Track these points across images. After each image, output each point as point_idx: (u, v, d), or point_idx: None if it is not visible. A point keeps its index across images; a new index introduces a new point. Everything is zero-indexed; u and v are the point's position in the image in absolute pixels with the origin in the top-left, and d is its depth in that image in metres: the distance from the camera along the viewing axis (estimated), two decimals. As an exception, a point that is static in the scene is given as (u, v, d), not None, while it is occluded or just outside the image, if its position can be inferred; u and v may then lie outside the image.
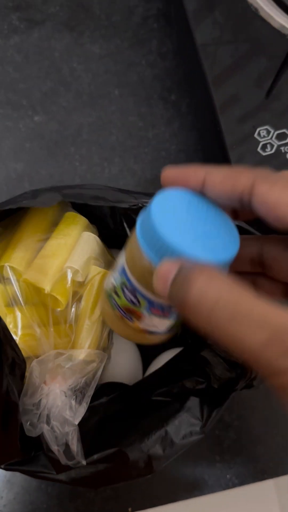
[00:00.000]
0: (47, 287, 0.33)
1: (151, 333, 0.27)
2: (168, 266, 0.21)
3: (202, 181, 0.23)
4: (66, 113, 0.56)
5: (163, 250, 0.21)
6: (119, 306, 0.26)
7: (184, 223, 0.22)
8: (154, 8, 0.61)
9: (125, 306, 0.25)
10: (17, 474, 0.47)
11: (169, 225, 0.21)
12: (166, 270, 0.20)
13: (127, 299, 0.25)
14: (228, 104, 0.47)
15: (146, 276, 0.23)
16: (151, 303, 0.24)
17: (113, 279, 0.25)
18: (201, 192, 0.24)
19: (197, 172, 0.23)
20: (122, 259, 0.25)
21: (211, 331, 0.19)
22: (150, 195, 0.38)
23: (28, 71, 0.57)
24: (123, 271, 0.24)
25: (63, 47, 0.58)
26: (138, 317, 0.25)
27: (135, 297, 0.24)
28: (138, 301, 0.24)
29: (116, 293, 0.25)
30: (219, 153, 0.49)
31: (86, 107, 0.56)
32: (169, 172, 0.24)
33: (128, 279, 0.24)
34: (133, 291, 0.24)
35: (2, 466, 0.35)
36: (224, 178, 0.23)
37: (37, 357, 0.33)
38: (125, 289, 0.24)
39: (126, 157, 0.55)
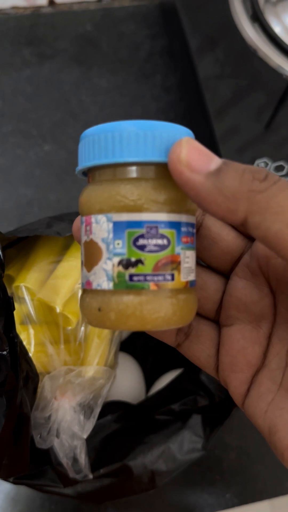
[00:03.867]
0: (58, 306, 0.35)
1: (191, 284, 0.22)
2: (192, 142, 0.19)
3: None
4: (74, 142, 0.59)
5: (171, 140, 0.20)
6: (148, 275, 0.20)
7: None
8: (159, 45, 0.64)
9: (156, 263, 0.20)
10: (21, 491, 0.48)
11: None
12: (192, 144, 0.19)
13: (152, 251, 0.20)
14: (228, 135, 0.50)
15: (160, 191, 0.20)
16: (178, 228, 0.21)
17: (114, 262, 0.20)
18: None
19: None
20: (104, 225, 0.21)
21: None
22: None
23: (39, 102, 0.60)
24: (124, 226, 0.20)
25: (72, 80, 0.61)
26: (174, 261, 0.21)
27: (161, 235, 0.20)
28: (166, 238, 0.21)
29: (132, 266, 0.20)
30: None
31: (93, 137, 0.59)
32: None
33: (141, 223, 0.20)
34: (155, 228, 0.20)
35: (11, 480, 0.36)
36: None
37: (48, 373, 0.35)
38: (142, 242, 0.20)
39: (131, 184, 0.58)
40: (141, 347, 0.50)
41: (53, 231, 0.36)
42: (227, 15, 0.53)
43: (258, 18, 0.51)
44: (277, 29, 0.53)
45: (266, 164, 0.47)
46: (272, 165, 0.47)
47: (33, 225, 0.38)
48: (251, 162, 0.48)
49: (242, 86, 0.51)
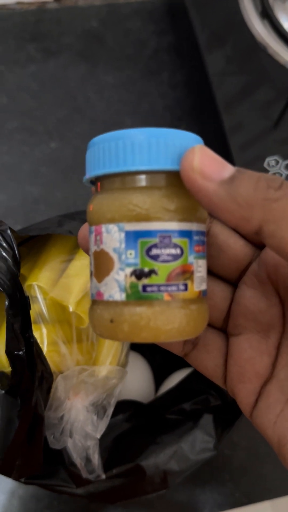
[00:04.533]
0: (71, 305, 0.34)
1: (203, 294, 0.22)
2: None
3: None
4: (80, 139, 0.58)
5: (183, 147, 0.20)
6: (161, 285, 0.20)
7: None
8: (165, 42, 0.64)
9: (169, 273, 0.20)
10: (29, 490, 0.47)
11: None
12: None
13: (166, 261, 0.20)
14: (237, 132, 0.49)
15: (172, 198, 0.20)
16: (190, 237, 0.21)
17: (127, 272, 0.20)
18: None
19: None
20: (115, 235, 0.20)
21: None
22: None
23: (44, 99, 0.59)
24: (137, 235, 0.20)
25: (78, 76, 0.61)
26: (187, 271, 0.21)
27: (174, 245, 0.20)
28: (179, 247, 0.20)
29: (145, 276, 0.20)
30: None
31: (100, 134, 0.58)
32: None
33: (154, 232, 0.20)
34: (168, 238, 0.20)
35: (23, 480, 0.36)
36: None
37: (61, 372, 0.34)
38: (155, 251, 0.20)
39: (137, 182, 0.57)
40: (149, 346, 0.50)
41: (65, 229, 0.36)
42: (236, 12, 0.52)
43: (267, 15, 0.51)
44: (286, 25, 0.52)
45: (277, 162, 0.47)
46: (283, 163, 0.47)
47: (44, 223, 0.38)
48: (261, 159, 0.48)
49: (250, 82, 0.51)
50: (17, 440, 0.32)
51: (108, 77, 0.61)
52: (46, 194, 0.55)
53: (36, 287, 0.34)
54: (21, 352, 0.27)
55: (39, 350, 0.30)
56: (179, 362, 0.50)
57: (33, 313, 0.34)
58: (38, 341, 0.34)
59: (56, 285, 0.35)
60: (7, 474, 0.34)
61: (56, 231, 0.35)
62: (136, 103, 0.61)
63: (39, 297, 0.34)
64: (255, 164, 0.47)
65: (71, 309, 0.34)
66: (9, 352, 0.27)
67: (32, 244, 0.38)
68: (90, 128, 0.59)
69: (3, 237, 0.26)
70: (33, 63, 0.61)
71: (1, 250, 0.26)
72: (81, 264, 0.36)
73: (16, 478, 0.35)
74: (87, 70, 0.61)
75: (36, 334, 0.34)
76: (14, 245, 0.26)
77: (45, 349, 0.34)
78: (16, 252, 0.26)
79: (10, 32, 0.62)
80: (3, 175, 0.55)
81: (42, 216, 0.54)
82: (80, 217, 0.39)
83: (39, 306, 0.34)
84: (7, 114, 0.58)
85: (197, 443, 0.39)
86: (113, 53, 0.63)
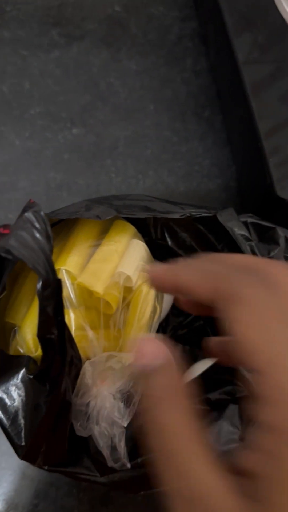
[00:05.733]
0: (100, 291, 0.34)
1: None
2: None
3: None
4: (103, 126, 0.57)
5: None
6: None
7: None
8: (189, 28, 0.62)
9: None
10: (48, 479, 0.47)
11: None
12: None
13: None
14: (266, 118, 0.48)
15: None
16: None
17: None
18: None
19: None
20: None
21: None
22: (197, 206, 0.39)
23: (67, 85, 0.58)
24: None
25: (101, 62, 0.60)
26: None
27: None
28: None
29: None
30: (253, 168, 0.50)
31: (122, 120, 0.58)
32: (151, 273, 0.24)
33: None
34: None
35: (46, 467, 0.36)
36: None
37: (87, 358, 0.34)
38: None
39: (160, 170, 0.57)
40: (170, 335, 0.49)
41: (93, 214, 0.35)
42: (265, -5, 0.51)
43: (297, -1, 0.49)
44: (316, 10, 0.51)
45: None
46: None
47: (71, 207, 0.37)
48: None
49: (280, 67, 0.50)
50: (43, 427, 0.31)
51: (131, 63, 0.60)
52: (69, 180, 0.55)
53: (64, 271, 0.34)
54: (53, 336, 0.26)
55: (70, 335, 0.29)
56: (200, 352, 0.49)
57: (61, 297, 0.34)
58: (66, 326, 0.33)
59: (84, 271, 0.34)
60: (32, 461, 0.34)
61: (84, 215, 0.35)
62: (159, 89, 0.60)
63: (67, 281, 0.34)
64: (285, 149, 0.46)
65: (99, 295, 0.34)
66: (41, 335, 0.26)
67: (59, 229, 0.38)
68: (112, 114, 0.58)
69: (36, 218, 0.26)
70: (56, 48, 0.60)
71: (35, 231, 0.25)
72: (109, 249, 0.36)
73: (40, 466, 0.35)
74: (110, 56, 0.60)
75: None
76: (48, 227, 0.25)
77: (73, 334, 0.33)
78: (50, 233, 0.26)
79: (32, 16, 0.61)
80: (27, 160, 0.54)
81: (64, 202, 0.53)
82: (108, 201, 0.38)
83: (67, 290, 0.34)
84: (30, 100, 0.57)
85: (222, 434, 0.39)
86: (136, 39, 0.62)
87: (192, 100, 0.59)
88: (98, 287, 0.34)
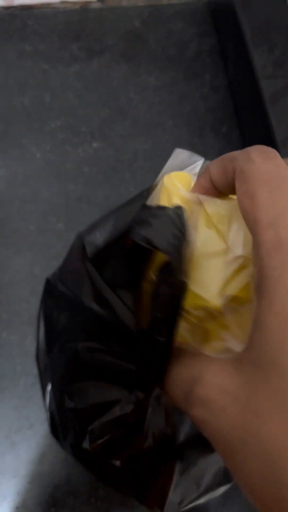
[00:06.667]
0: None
1: None
2: None
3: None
4: (122, 140, 0.58)
5: None
6: None
7: None
8: (207, 44, 0.64)
9: None
10: (67, 487, 0.48)
11: None
12: None
13: None
14: (285, 131, 0.49)
15: None
16: None
17: None
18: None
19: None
20: None
21: None
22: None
23: (87, 99, 0.60)
24: None
25: (120, 76, 0.61)
26: None
27: None
28: None
29: None
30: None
31: (141, 135, 0.59)
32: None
33: None
34: None
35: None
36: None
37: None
38: None
39: (177, 184, 0.57)
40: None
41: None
42: (285, 12, 0.52)
43: None
44: None
45: None
46: None
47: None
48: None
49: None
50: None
51: (150, 78, 0.61)
52: (89, 193, 0.56)
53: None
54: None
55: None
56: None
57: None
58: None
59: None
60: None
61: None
62: (177, 104, 0.61)
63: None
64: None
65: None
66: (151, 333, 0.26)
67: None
68: (132, 129, 0.59)
69: (179, 217, 0.26)
70: (77, 62, 0.61)
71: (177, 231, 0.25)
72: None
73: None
74: (130, 70, 0.62)
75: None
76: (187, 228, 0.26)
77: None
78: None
79: (54, 31, 0.62)
80: (47, 172, 0.55)
81: (84, 214, 0.54)
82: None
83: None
84: (51, 112, 0.58)
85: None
86: (155, 54, 0.63)
87: (210, 115, 0.60)
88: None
